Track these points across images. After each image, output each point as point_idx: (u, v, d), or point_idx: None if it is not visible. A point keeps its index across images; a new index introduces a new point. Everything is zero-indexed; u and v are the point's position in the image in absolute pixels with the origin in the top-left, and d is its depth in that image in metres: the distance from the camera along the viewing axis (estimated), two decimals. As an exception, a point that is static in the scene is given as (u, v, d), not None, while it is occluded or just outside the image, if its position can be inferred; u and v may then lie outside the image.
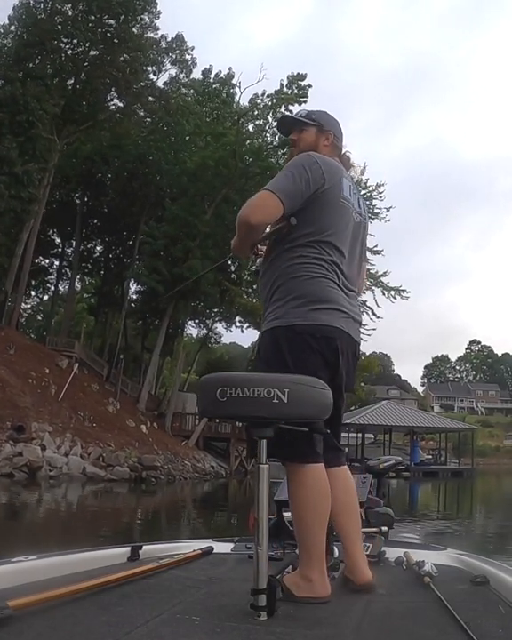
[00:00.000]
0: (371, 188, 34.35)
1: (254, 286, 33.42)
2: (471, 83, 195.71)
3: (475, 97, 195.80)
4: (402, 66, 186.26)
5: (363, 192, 30.76)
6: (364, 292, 3.62)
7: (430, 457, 48.98)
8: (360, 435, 42.81)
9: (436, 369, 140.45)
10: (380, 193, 34.82)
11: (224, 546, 3.17)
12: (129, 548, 2.70)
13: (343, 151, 2.73)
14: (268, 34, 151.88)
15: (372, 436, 51.49)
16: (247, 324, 40.89)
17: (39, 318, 58.03)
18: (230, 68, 35.49)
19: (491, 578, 2.35)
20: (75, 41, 34.57)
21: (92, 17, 33.71)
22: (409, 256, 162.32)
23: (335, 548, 2.66)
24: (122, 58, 34.27)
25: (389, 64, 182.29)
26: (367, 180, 34.12)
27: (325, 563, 2.30)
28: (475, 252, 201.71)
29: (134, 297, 41.87)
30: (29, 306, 55.42)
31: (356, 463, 35.73)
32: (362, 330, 2.74)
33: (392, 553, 2.90)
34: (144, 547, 2.76)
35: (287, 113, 23.18)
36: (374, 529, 3.19)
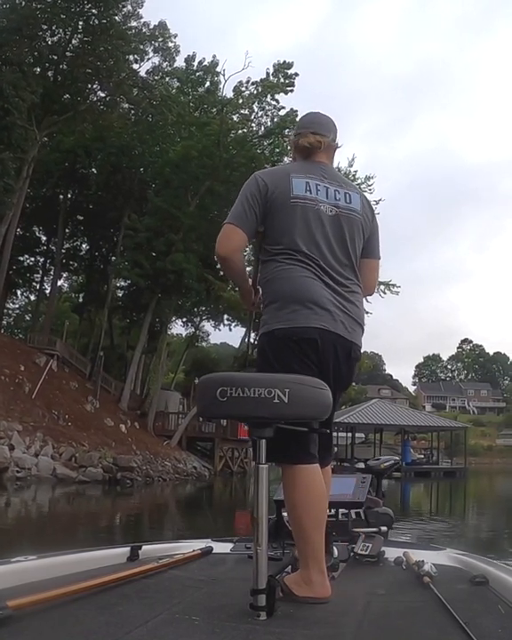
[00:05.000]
0: (359, 181, 33.43)
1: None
2: (477, 87, 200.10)
3: (481, 101, 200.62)
4: (410, 71, 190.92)
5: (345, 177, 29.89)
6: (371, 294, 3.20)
7: (422, 456, 48.39)
8: (350, 434, 42.15)
9: (428, 368, 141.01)
10: (370, 185, 34.04)
11: (223, 546, 3.16)
12: (128, 548, 2.70)
13: (307, 137, 2.68)
14: (278, 38, 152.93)
15: (363, 436, 50.91)
16: (235, 323, 40.11)
17: (27, 318, 57.44)
18: (214, 56, 34.65)
19: (490, 578, 2.34)
20: (54, 28, 33.69)
21: (73, 4, 32.65)
22: (411, 257, 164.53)
23: (335, 547, 2.67)
24: (104, 47, 33.26)
25: (398, 69, 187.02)
26: (356, 171, 33.26)
27: (325, 563, 2.30)
28: (477, 253, 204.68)
29: (119, 294, 41.35)
30: (17, 306, 55.00)
31: (346, 463, 35.07)
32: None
33: (391, 553, 2.89)
34: (143, 547, 2.76)
35: (273, 102, 22.28)
36: (374, 529, 3.20)
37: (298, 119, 2.89)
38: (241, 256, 2.54)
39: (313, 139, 2.65)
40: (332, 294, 2.44)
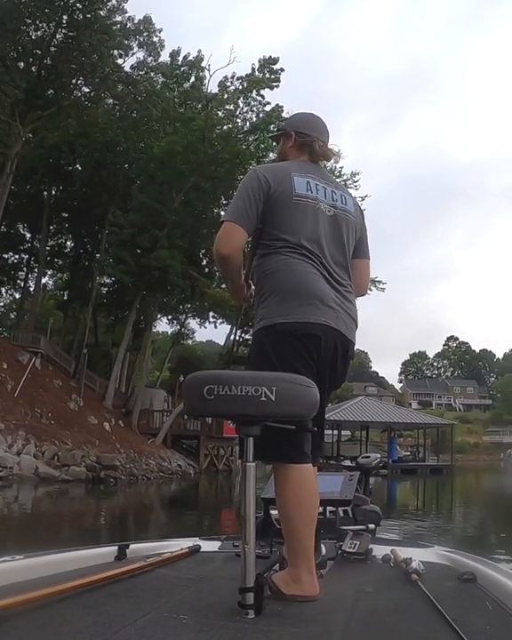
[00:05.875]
0: (345, 177, 33.34)
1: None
2: (467, 85, 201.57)
3: (470, 99, 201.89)
4: (400, 69, 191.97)
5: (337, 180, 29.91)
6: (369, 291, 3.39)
7: (409, 454, 48.29)
8: (336, 431, 42.00)
9: (414, 365, 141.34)
10: (356, 182, 34.01)
11: (211, 544, 3.15)
12: (116, 547, 2.70)
13: (320, 144, 2.70)
14: (268, 35, 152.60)
15: (349, 433, 50.82)
16: (221, 320, 39.96)
17: (12, 316, 57.19)
18: (199, 51, 34.35)
19: (478, 575, 2.35)
20: (38, 22, 33.34)
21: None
22: (399, 255, 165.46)
23: (323, 545, 2.69)
24: (88, 42, 32.95)
25: (388, 67, 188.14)
26: (341, 168, 33.12)
27: (314, 561, 2.29)
28: (465, 251, 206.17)
29: (104, 291, 41.26)
30: (1, 304, 54.79)
31: (332, 461, 34.96)
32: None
33: (379, 550, 2.90)
34: (131, 546, 2.76)
35: (259, 98, 22.18)
36: (361, 527, 3.23)
37: (303, 117, 2.83)
38: (241, 254, 2.52)
39: (330, 152, 2.72)
40: (334, 292, 2.46)
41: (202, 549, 3.00)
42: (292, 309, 2.35)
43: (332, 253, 2.52)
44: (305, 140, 2.69)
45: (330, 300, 2.41)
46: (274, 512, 2.99)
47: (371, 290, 33.01)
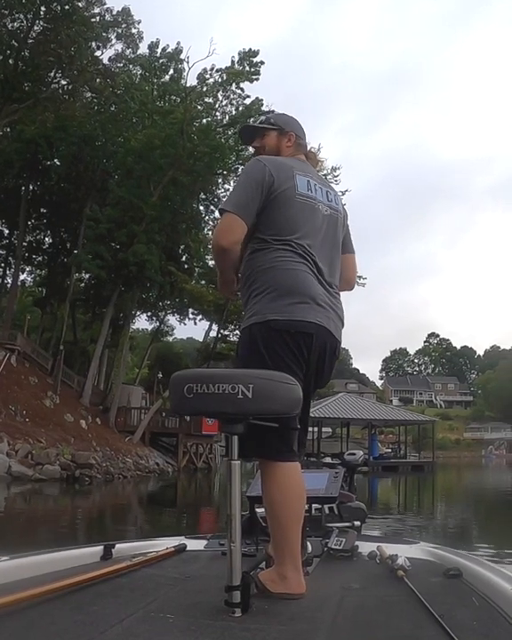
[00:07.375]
0: (326, 171, 33.04)
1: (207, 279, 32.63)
2: (453, 85, 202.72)
3: (455, 99, 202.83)
4: (386, 67, 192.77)
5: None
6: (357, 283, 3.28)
7: (390, 451, 48.22)
8: (317, 428, 41.83)
9: (395, 362, 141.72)
10: (336, 176, 33.72)
11: (197, 543, 3.16)
12: (102, 547, 2.70)
13: (308, 148, 2.80)
14: (255, 34, 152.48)
15: (330, 430, 50.69)
16: (200, 317, 39.63)
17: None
18: (178, 43, 33.99)
19: (463, 570, 2.36)
20: (15, 13, 32.85)
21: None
22: (382, 253, 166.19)
23: (309, 543, 2.70)
24: (66, 34, 32.48)
25: (374, 66, 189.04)
26: (324, 160, 32.87)
27: (300, 559, 2.30)
28: (448, 249, 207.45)
29: (81, 287, 40.90)
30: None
31: (313, 458, 34.71)
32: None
33: (365, 547, 2.91)
34: (117, 545, 2.75)
35: (238, 91, 21.88)
36: (347, 524, 3.22)
37: (296, 124, 2.84)
38: (239, 248, 2.50)
39: (316, 159, 2.83)
40: (325, 291, 2.49)
41: (188, 548, 3.00)
42: (285, 307, 2.36)
43: (325, 253, 2.54)
44: (302, 143, 2.77)
45: (321, 300, 2.43)
46: (259, 510, 3.01)
47: (351, 285, 32.92)
